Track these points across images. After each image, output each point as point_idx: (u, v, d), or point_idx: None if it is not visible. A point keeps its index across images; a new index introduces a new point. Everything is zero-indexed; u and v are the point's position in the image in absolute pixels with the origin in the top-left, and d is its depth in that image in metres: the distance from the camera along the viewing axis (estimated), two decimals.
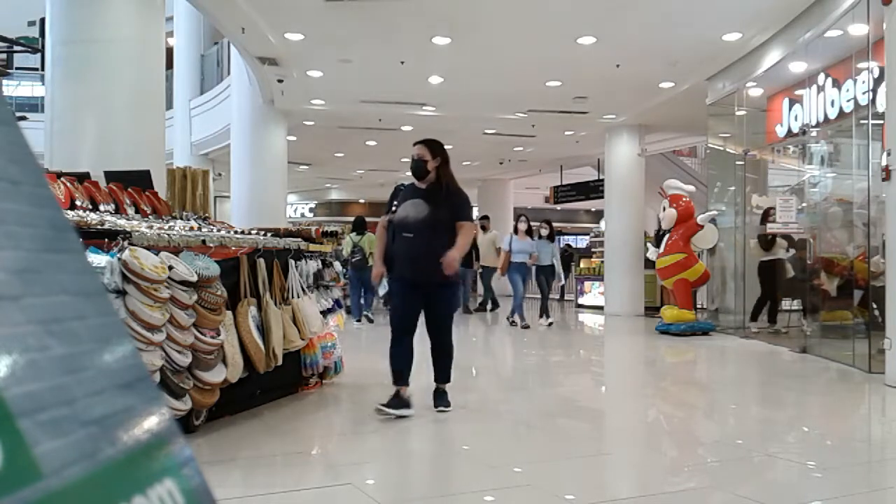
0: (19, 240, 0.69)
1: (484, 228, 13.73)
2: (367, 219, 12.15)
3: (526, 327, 10.70)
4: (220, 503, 0.75)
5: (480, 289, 14.54)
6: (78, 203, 4.54)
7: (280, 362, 4.67)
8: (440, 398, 4.82)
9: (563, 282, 11.42)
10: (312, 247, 5.61)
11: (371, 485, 3.32)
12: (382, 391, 4.78)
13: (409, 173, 4.79)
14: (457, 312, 12.49)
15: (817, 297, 8.24)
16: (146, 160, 6.11)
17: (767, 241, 9.69)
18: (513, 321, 11.06)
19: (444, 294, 4.70)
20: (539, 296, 11.58)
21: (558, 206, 20.14)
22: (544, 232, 11.22)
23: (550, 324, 10.98)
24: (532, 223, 11.34)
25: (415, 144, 4.76)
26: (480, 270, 13.69)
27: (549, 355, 8.54)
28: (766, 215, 9.57)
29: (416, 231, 4.57)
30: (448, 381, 4.87)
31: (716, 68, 9.92)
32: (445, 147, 4.81)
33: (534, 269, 11.15)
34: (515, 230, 11.00)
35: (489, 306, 13.96)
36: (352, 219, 13.35)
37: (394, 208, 4.74)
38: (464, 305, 13.11)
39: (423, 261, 4.52)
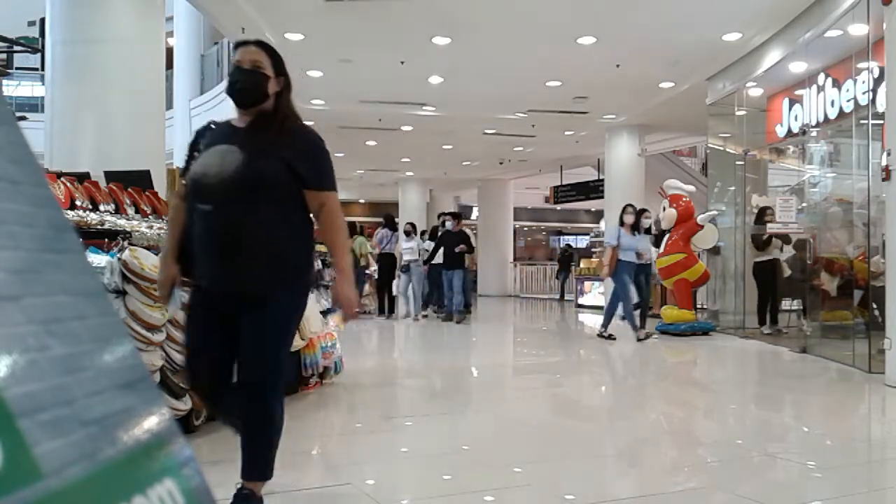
0: (19, 240, 0.69)
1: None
2: (366, 219, 11.83)
3: (648, 336, 9.09)
4: (220, 503, 0.75)
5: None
6: (78, 203, 4.53)
7: None
8: None
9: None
10: None
11: (371, 485, 3.32)
12: (382, 391, 4.76)
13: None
14: (456, 318, 12.25)
15: (817, 297, 8.23)
16: (146, 160, 6.11)
17: (762, 241, 9.66)
18: (642, 335, 9.08)
19: (263, 317, 2.51)
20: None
21: (558, 206, 20.13)
22: (647, 223, 9.51)
23: (648, 336, 9.09)
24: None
25: (238, 46, 2.72)
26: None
27: (549, 355, 8.54)
28: (762, 215, 9.56)
29: (216, 200, 2.48)
30: (263, 477, 2.55)
31: (716, 68, 9.92)
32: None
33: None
34: (621, 222, 9.18)
35: (432, 307, 12.69)
36: (352, 219, 13.11)
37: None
38: (462, 312, 11.98)
39: (226, 254, 2.50)
